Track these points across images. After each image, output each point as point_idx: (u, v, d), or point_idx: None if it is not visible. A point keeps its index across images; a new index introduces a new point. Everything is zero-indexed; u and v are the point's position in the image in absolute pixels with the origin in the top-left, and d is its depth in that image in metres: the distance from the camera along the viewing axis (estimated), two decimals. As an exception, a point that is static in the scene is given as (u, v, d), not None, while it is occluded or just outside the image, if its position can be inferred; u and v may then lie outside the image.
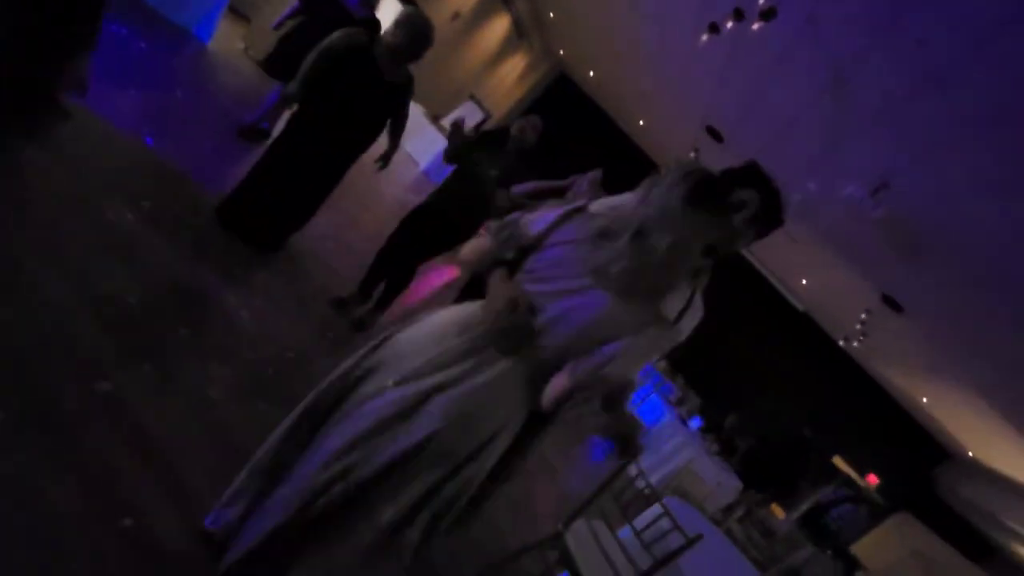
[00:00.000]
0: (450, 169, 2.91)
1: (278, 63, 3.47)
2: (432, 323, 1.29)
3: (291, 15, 3.55)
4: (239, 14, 5.88)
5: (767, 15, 3.50)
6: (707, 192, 1.09)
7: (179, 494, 1.46)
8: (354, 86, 2.46)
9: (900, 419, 8.55)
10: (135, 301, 1.87)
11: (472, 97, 10.03)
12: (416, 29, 2.45)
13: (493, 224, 1.29)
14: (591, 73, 10.82)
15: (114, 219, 2.12)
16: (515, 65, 12.28)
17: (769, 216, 1.28)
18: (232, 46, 5.39)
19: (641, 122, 10.23)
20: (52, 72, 1.43)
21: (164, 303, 2.04)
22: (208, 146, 3.41)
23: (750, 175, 1.29)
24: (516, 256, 1.23)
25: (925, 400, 7.27)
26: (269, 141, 2.83)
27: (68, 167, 2.16)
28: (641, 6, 6.01)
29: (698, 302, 1.22)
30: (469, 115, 10.99)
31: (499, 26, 10.66)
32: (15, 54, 1.34)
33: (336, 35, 2.44)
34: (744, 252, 7.94)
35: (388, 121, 2.68)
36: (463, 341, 1.19)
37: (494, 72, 11.86)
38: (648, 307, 1.14)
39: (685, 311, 1.19)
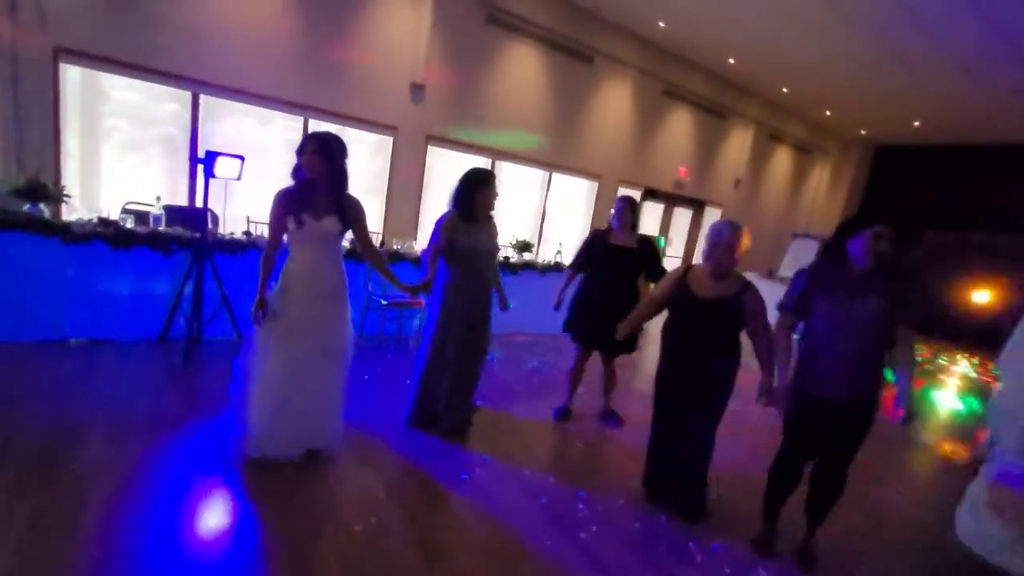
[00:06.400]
0: None
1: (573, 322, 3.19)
2: None
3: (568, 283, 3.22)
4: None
5: None
6: None
7: None
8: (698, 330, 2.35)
9: None
10: None
11: (796, 236, 9.36)
12: None
13: None
14: (915, 123, 9.02)
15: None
16: (818, 178, 11.22)
17: None
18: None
19: None
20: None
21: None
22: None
23: None
24: None
25: None
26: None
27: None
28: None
29: None
30: (806, 254, 10.14)
31: (781, 159, 10.32)
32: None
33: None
34: None
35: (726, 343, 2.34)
36: None
37: (799, 198, 11.02)
38: None
39: None
